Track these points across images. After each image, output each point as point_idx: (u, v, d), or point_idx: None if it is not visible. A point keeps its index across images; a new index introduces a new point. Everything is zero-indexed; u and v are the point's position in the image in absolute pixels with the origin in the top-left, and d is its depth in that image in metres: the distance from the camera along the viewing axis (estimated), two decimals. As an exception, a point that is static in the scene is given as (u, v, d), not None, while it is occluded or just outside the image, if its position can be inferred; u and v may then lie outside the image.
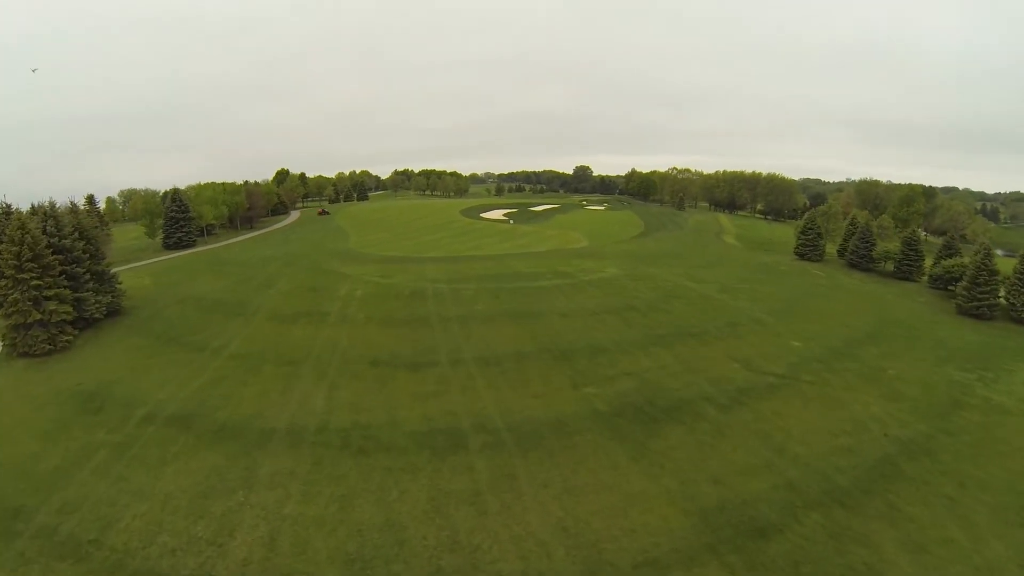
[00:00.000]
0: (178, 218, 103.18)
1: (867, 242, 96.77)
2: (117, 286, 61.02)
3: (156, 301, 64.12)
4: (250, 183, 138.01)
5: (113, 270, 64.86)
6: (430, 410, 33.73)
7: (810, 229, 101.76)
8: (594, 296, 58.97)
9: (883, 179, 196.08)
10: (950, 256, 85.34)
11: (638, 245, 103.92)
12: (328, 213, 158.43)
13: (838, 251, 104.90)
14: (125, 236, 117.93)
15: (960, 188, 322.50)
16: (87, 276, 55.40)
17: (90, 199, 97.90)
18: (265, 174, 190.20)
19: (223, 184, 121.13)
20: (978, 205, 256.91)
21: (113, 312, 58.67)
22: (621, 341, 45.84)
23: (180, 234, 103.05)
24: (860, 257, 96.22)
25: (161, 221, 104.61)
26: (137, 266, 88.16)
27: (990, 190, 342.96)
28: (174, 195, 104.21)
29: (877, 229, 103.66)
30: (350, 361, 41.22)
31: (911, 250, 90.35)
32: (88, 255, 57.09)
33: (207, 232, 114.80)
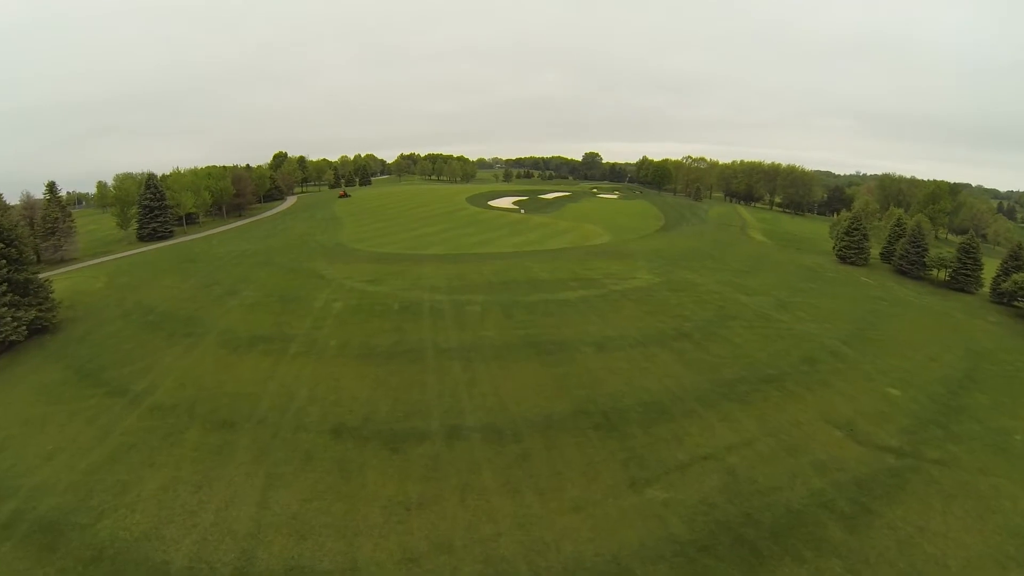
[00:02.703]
0: (153, 207, 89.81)
1: (918, 247, 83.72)
2: (49, 296, 48.29)
3: (99, 312, 51.40)
4: (239, 167, 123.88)
5: (45, 275, 52.23)
6: (413, 541, 20.38)
7: (855, 230, 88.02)
8: (632, 315, 45.49)
9: (892, 173, 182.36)
10: (1018, 268, 72.21)
11: (664, 241, 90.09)
12: (349, 195, 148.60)
13: (881, 254, 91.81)
14: (106, 225, 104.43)
15: (973, 185, 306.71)
16: (3, 287, 42.85)
17: (51, 187, 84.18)
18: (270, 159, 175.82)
19: (206, 169, 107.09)
20: (994, 204, 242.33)
21: (40, 330, 46.03)
22: (682, 393, 32.49)
23: (155, 224, 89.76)
24: (911, 263, 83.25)
25: (135, 210, 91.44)
26: (99, 262, 75.38)
27: (1002, 188, 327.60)
28: (148, 181, 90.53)
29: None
30: (305, 427, 27.94)
31: (969, 258, 77.51)
32: (7, 261, 44.47)
33: (188, 221, 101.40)
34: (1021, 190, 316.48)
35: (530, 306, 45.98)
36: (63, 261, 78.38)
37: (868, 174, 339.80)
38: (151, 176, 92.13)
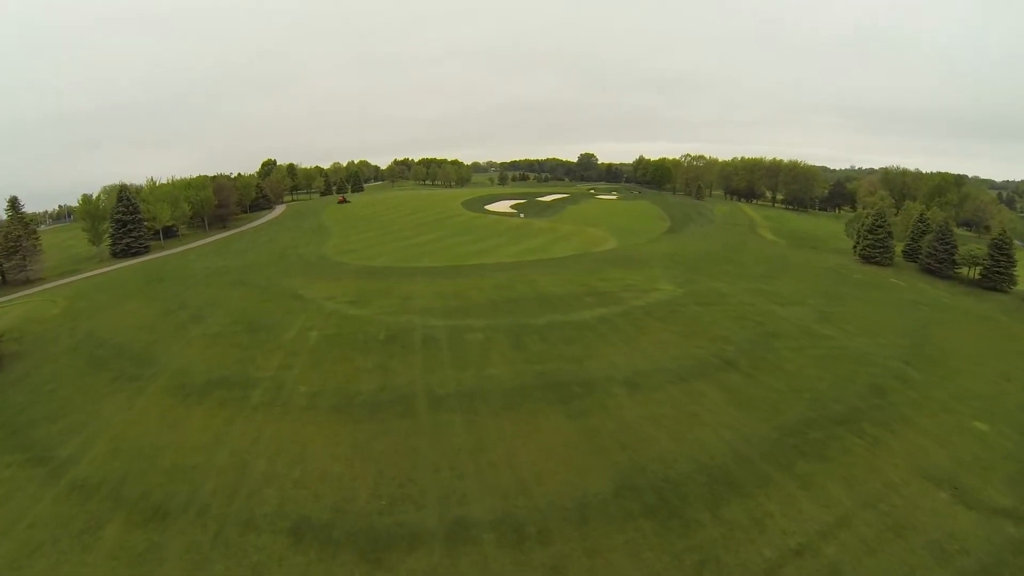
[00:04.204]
0: (126, 221, 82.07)
1: (947, 243, 77.20)
2: (-14, 330, 40.98)
3: (46, 345, 44.03)
4: (222, 176, 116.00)
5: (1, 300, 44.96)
6: None
7: (879, 227, 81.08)
8: (663, 339, 37.98)
9: (891, 166, 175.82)
10: (1057, 265, 66.19)
11: (675, 244, 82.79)
12: (348, 201, 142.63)
13: (904, 252, 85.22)
14: (85, 241, 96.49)
15: (969, 176, 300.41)
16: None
17: (13, 203, 76.54)
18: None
19: (187, 179, 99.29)
20: (993, 194, 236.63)
21: (-28, 370, 38.78)
22: (746, 449, 25.02)
23: (129, 239, 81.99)
24: (939, 262, 76.71)
25: (107, 224, 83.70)
26: (63, 283, 67.81)
27: (997, 178, 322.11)
28: (121, 193, 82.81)
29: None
30: (256, 523, 20.33)
31: (1002, 255, 71.12)
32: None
33: (168, 235, 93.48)
34: (1016, 180, 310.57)
35: (542, 331, 38.34)
36: (28, 282, 71.04)
37: (863, 168, 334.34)
38: (124, 188, 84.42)
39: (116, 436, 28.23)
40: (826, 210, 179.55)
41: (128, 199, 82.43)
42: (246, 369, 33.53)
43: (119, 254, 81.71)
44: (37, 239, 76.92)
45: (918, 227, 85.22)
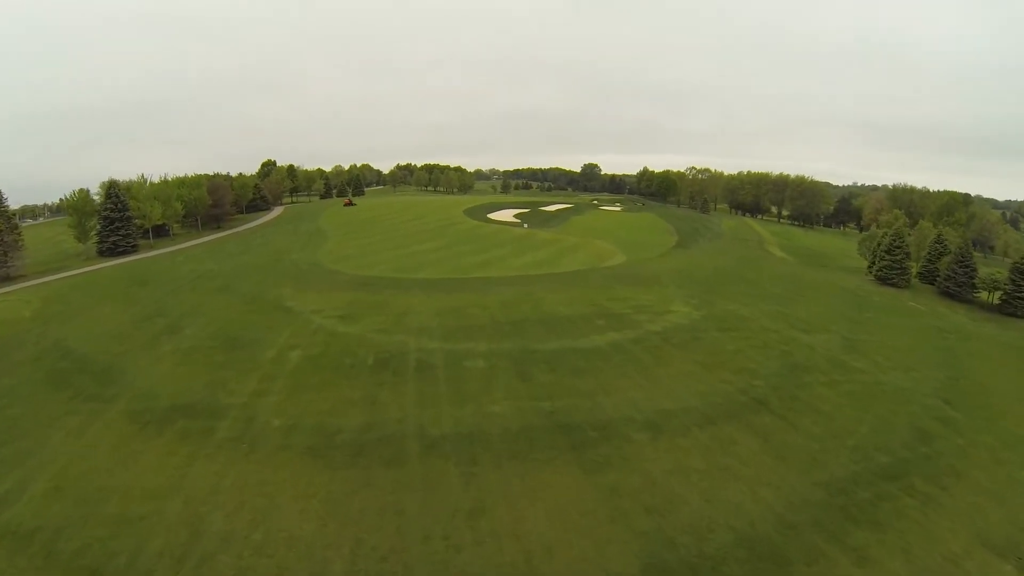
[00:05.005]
0: (113, 218, 78.32)
1: (967, 267, 74.11)
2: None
3: (9, 353, 40.35)
4: (218, 175, 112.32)
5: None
6: None
7: (897, 248, 77.58)
8: (685, 371, 34.05)
9: (899, 184, 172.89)
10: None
11: (685, 260, 79.07)
12: (354, 204, 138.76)
13: (919, 274, 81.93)
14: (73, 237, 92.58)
15: (972, 195, 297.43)
16: None
17: (-4, 197, 72.84)
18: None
19: (181, 177, 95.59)
20: (998, 214, 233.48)
21: (-83, 380, 34.91)
22: (790, 513, 21.21)
23: (116, 238, 78.21)
24: (958, 285, 73.60)
25: (94, 221, 80.00)
26: (43, 282, 63.83)
27: (1000, 197, 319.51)
28: (109, 190, 79.08)
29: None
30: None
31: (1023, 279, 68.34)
32: None
33: (160, 234, 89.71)
34: (1019, 200, 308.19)
35: (551, 359, 34.41)
36: (8, 278, 67.19)
37: (866, 184, 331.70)
38: (112, 184, 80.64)
39: (61, 472, 24.37)
40: (831, 226, 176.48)
41: (117, 196, 78.67)
42: (216, 394, 29.62)
43: (105, 253, 78.02)
44: (19, 234, 73.21)
45: (935, 248, 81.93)
